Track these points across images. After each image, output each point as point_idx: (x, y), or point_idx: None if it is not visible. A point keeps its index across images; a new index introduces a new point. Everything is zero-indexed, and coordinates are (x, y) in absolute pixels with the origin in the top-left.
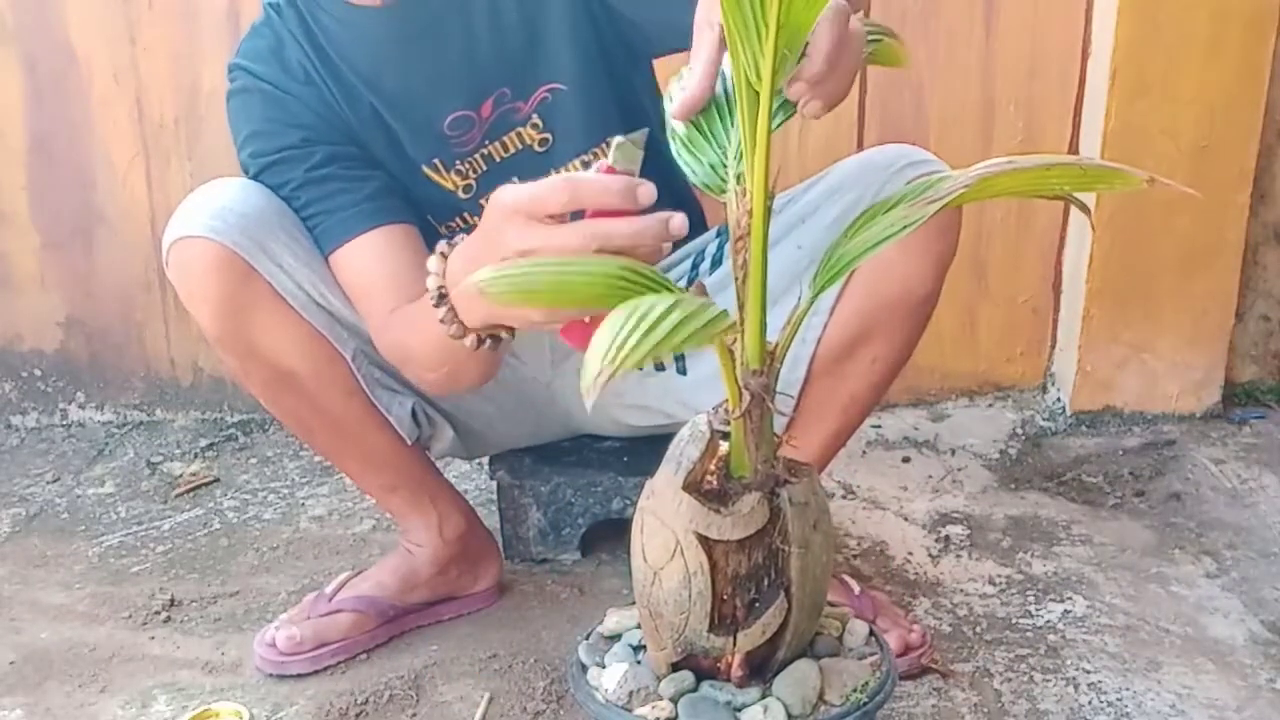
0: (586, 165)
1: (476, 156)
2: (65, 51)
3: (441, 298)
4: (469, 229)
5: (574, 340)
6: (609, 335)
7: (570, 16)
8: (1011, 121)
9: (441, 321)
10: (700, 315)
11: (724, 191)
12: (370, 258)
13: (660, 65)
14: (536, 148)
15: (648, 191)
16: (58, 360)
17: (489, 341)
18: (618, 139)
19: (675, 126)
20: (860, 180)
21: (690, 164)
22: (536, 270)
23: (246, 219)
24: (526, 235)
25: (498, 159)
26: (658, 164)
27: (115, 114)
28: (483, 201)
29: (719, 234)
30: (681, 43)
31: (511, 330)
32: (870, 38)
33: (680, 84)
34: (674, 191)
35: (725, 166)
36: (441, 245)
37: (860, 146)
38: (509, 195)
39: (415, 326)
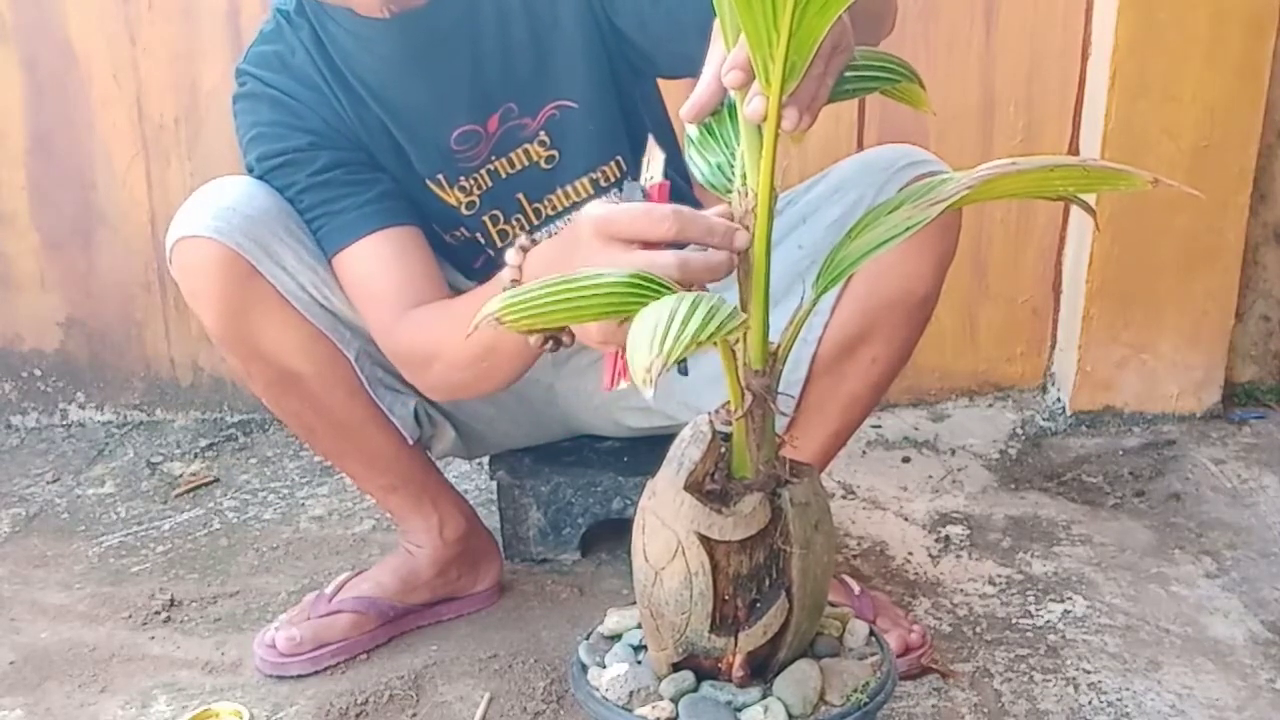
0: (595, 183)
1: (482, 172)
2: (65, 51)
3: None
4: (470, 240)
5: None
6: (648, 327)
7: (582, 35)
8: (1011, 121)
9: None
10: (723, 309)
11: (728, 191)
12: (375, 261)
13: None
14: (543, 164)
15: (745, 237)
16: (58, 360)
17: (550, 343)
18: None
19: (688, 129)
20: (861, 180)
21: (699, 164)
22: (546, 293)
23: (250, 220)
24: (613, 256)
25: (503, 175)
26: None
27: (115, 114)
28: (485, 218)
29: None
30: (690, 70)
31: (559, 340)
32: (891, 76)
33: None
34: (674, 190)
35: (731, 167)
36: (522, 239)
37: (860, 146)
38: (602, 210)
39: (459, 322)
